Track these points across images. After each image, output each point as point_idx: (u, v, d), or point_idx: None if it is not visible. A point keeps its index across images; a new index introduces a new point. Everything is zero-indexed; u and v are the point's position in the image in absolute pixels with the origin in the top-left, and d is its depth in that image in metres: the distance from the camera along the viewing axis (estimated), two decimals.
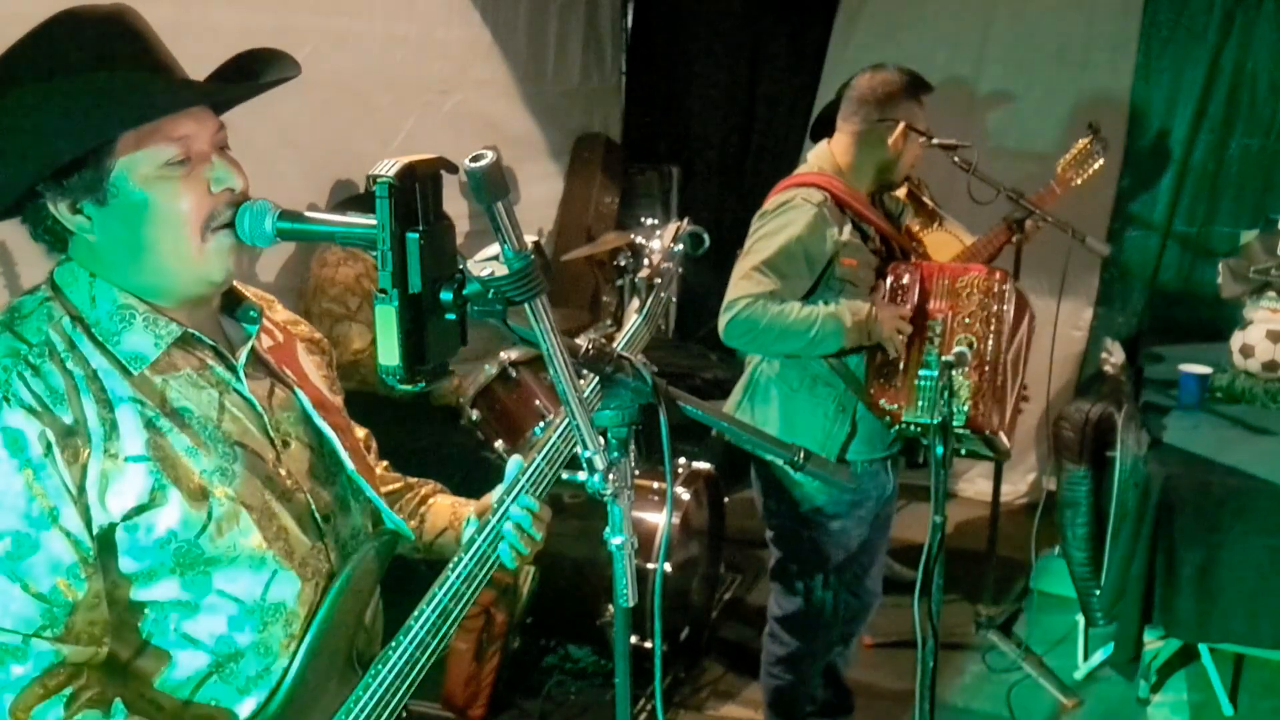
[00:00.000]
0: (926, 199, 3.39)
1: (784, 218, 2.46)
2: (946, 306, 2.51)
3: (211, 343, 1.25)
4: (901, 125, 2.57)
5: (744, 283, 2.43)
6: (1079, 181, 3.25)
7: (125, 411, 1.15)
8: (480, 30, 4.17)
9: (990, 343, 2.48)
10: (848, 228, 2.51)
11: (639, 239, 1.83)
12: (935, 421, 2.25)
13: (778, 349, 2.50)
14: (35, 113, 1.11)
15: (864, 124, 2.59)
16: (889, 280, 2.56)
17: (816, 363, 2.54)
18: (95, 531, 1.13)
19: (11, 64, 1.13)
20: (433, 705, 2.93)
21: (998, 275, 2.53)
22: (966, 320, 2.49)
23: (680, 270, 1.84)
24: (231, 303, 1.33)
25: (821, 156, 2.63)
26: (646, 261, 1.79)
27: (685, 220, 1.88)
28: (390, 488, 1.56)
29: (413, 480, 1.62)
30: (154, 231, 1.15)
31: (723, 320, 2.45)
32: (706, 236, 1.85)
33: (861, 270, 2.53)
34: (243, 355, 1.28)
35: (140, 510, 1.14)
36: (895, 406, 2.50)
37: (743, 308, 2.40)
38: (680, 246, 1.82)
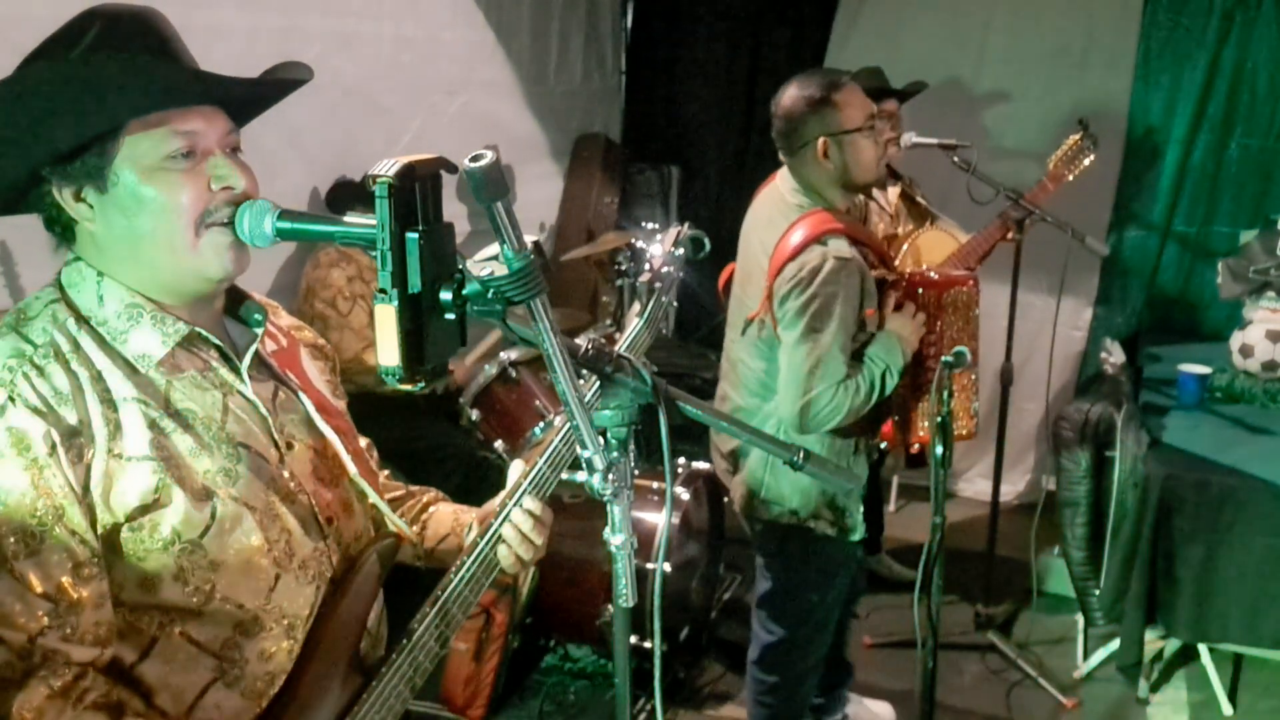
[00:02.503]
0: (919, 198, 3.40)
1: (829, 289, 2.29)
2: (937, 321, 2.49)
3: (217, 343, 1.26)
4: (821, 141, 2.39)
5: (814, 373, 2.29)
6: (1071, 177, 3.27)
7: (129, 411, 1.15)
8: (485, 32, 4.17)
9: (979, 353, 2.51)
10: (868, 282, 2.41)
11: (640, 243, 1.83)
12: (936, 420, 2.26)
13: (850, 419, 2.36)
14: (45, 92, 1.11)
15: (789, 156, 2.47)
16: (891, 296, 2.48)
17: None
18: (100, 532, 1.13)
19: (35, 52, 1.15)
20: (433, 705, 2.93)
21: (973, 284, 2.53)
22: (955, 335, 2.50)
23: (681, 274, 1.84)
24: (236, 306, 1.33)
25: (799, 191, 2.47)
26: (647, 266, 1.79)
27: (686, 225, 1.89)
28: (392, 495, 1.57)
29: (414, 488, 1.63)
30: (149, 223, 1.16)
31: (800, 418, 2.31)
32: (707, 241, 1.85)
33: (874, 319, 2.46)
34: (247, 357, 1.28)
35: (144, 510, 1.14)
36: (903, 440, 2.52)
37: (825, 405, 2.29)
38: (681, 251, 1.83)
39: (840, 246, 2.32)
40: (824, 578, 2.61)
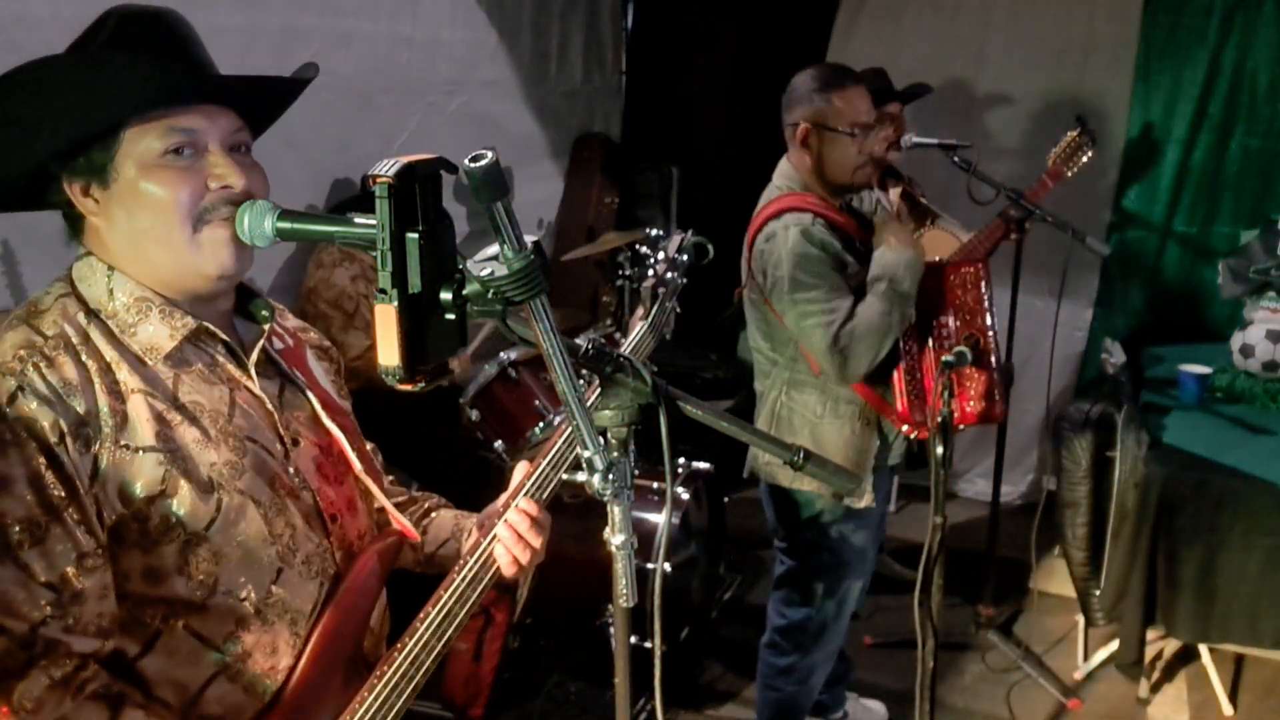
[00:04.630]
0: (920, 198, 3.39)
1: (791, 251, 2.37)
2: (945, 309, 2.51)
3: (225, 338, 1.27)
4: (803, 126, 2.46)
5: (824, 322, 2.34)
6: (1070, 174, 3.26)
7: (137, 403, 1.16)
8: (485, 31, 4.17)
9: (991, 335, 2.49)
10: (839, 247, 2.45)
11: (644, 249, 1.84)
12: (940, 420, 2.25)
13: (885, 347, 2.38)
14: (47, 88, 1.13)
15: (787, 132, 2.53)
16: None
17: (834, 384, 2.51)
18: (105, 522, 1.13)
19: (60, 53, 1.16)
20: (433, 705, 2.93)
21: (980, 267, 2.54)
22: (967, 317, 2.50)
23: (685, 281, 1.85)
24: (244, 303, 1.34)
25: (786, 175, 2.56)
26: (651, 272, 1.79)
27: (690, 231, 1.89)
28: (395, 500, 1.56)
29: (417, 494, 1.63)
30: (148, 218, 1.17)
31: (836, 361, 2.34)
32: (710, 248, 1.86)
33: (856, 286, 2.47)
34: (254, 352, 1.29)
35: (150, 501, 1.15)
36: (922, 419, 2.49)
37: (845, 341, 2.32)
38: (685, 257, 1.83)
39: (800, 216, 2.40)
40: (840, 562, 2.63)
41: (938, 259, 2.87)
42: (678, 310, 1.82)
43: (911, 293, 2.39)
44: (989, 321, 2.50)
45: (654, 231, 1.86)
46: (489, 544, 1.41)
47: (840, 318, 2.34)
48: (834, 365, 2.36)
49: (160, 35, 1.18)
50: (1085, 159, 3.27)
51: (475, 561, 1.39)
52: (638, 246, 1.84)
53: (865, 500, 2.55)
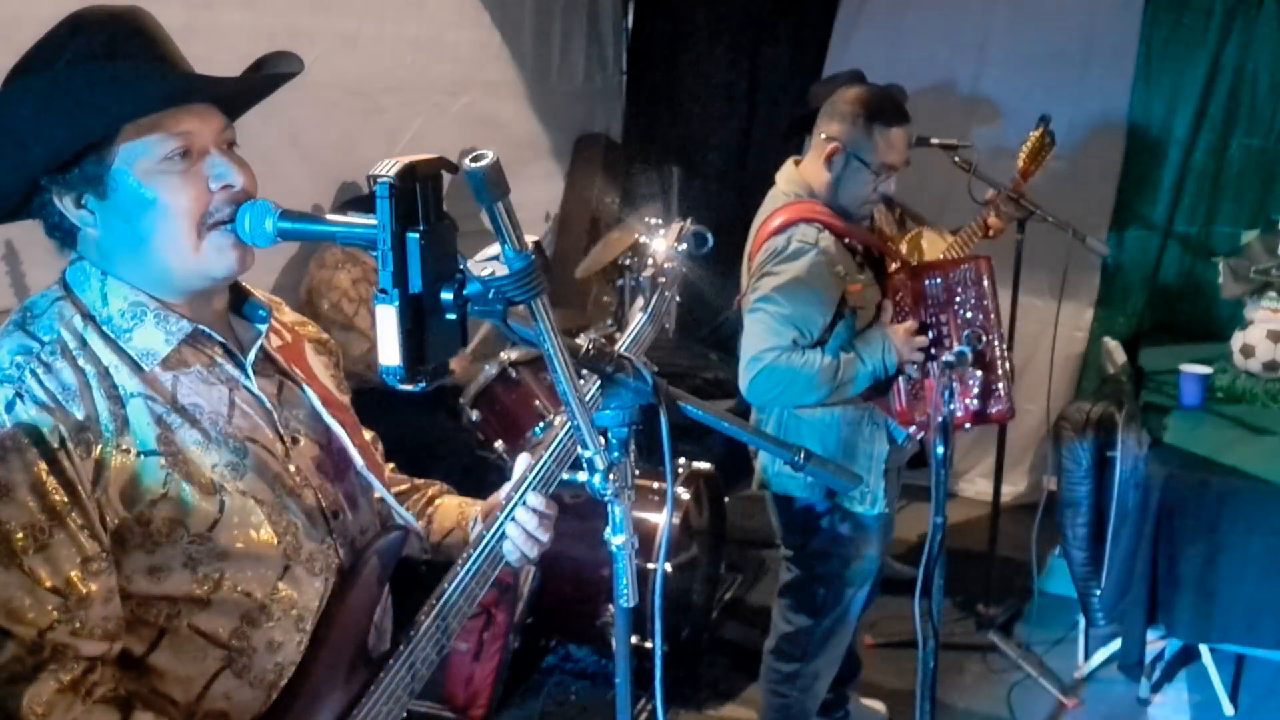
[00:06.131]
0: (898, 206, 3.37)
1: (783, 267, 2.38)
2: (946, 307, 2.50)
3: (221, 339, 1.26)
4: (833, 145, 2.44)
5: (763, 335, 2.37)
6: (1036, 172, 3.23)
7: (136, 407, 1.16)
8: (489, 32, 4.17)
9: (994, 333, 2.48)
10: (845, 263, 2.45)
11: (643, 237, 1.83)
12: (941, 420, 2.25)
13: (804, 400, 2.41)
14: (37, 103, 1.12)
15: (814, 138, 2.50)
16: (889, 303, 2.50)
17: None
18: (108, 526, 1.13)
19: (23, 60, 1.15)
20: (433, 705, 2.93)
21: (982, 263, 2.52)
22: (969, 315, 2.49)
23: (684, 271, 1.85)
24: (240, 302, 1.34)
25: (793, 182, 2.53)
26: (650, 261, 1.79)
27: (688, 220, 1.89)
28: (397, 489, 1.57)
29: (419, 481, 1.63)
30: (151, 226, 1.16)
31: (747, 375, 2.39)
32: (710, 236, 1.85)
33: (867, 291, 2.49)
34: (252, 353, 1.29)
35: (152, 505, 1.15)
36: (923, 418, 2.47)
37: (768, 362, 2.34)
38: (684, 246, 1.83)
39: (806, 231, 2.39)
40: (847, 570, 2.62)
41: (940, 256, 2.88)
42: (678, 300, 1.82)
43: (865, 378, 2.39)
44: (992, 319, 2.48)
45: (653, 221, 1.85)
46: (491, 539, 1.41)
47: (787, 343, 2.35)
48: (746, 375, 2.40)
49: (137, 38, 1.17)
50: (1049, 157, 3.25)
51: (478, 556, 1.40)
52: (638, 236, 1.84)
53: (879, 506, 2.54)
